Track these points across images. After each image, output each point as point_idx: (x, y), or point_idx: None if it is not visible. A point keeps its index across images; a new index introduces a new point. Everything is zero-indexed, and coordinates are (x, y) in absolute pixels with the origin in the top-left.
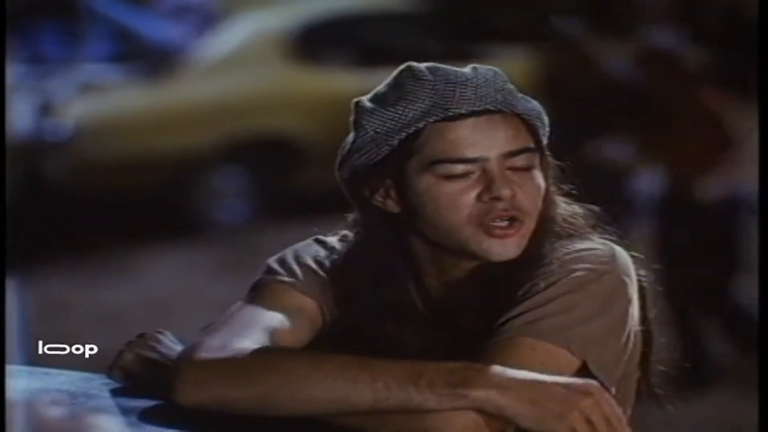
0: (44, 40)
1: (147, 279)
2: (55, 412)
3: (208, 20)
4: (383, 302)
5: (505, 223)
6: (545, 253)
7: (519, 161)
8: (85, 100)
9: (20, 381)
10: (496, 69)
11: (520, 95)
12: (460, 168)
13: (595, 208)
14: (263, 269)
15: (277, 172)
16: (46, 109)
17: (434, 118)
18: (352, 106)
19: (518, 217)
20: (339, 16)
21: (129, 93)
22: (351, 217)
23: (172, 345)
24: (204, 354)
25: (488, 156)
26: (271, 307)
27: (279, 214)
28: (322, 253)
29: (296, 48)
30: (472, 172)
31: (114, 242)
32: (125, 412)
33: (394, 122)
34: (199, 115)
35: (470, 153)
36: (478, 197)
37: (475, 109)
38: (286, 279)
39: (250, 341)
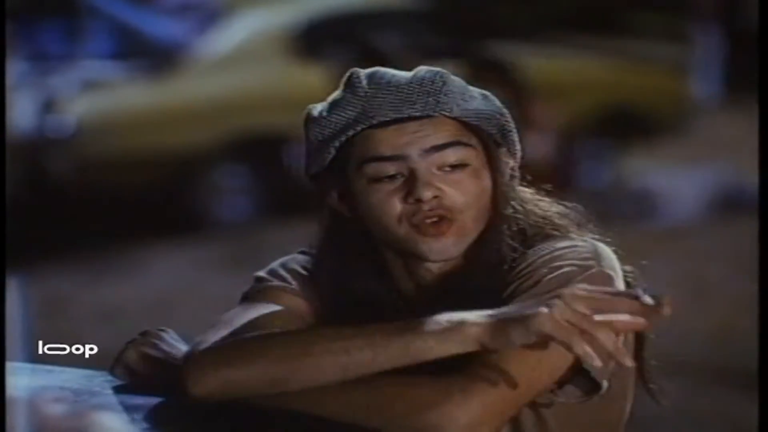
0: (46, 36)
1: (149, 276)
2: (58, 409)
3: (209, 18)
4: (353, 303)
5: (436, 221)
6: (505, 252)
7: (449, 157)
8: (88, 97)
9: (23, 378)
10: (442, 71)
11: (478, 94)
12: (383, 168)
13: (576, 206)
14: (252, 282)
15: (279, 170)
16: (48, 106)
17: (361, 126)
18: (303, 115)
19: (447, 216)
20: (341, 14)
21: (131, 90)
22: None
23: (174, 343)
24: (205, 347)
25: (408, 153)
26: (266, 308)
27: (281, 211)
28: (308, 261)
29: (298, 45)
30: (401, 174)
31: (116, 239)
32: (128, 409)
33: (329, 130)
34: (200, 112)
35: (388, 151)
36: (404, 199)
37: (400, 116)
38: (279, 284)
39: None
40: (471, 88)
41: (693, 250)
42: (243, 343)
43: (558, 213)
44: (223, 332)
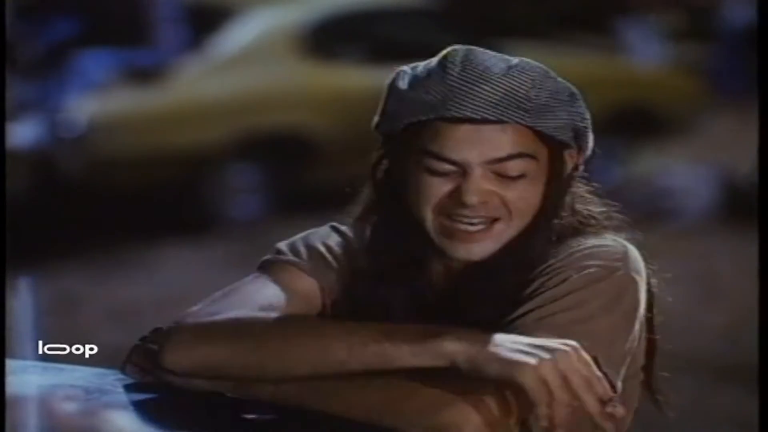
0: (53, 35)
1: (160, 275)
2: (69, 407)
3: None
4: (384, 273)
5: (470, 228)
6: (535, 255)
7: (510, 167)
8: (99, 96)
9: (34, 377)
10: (537, 74)
11: (566, 97)
12: (441, 166)
13: (619, 206)
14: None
15: (290, 168)
16: (59, 106)
17: (434, 115)
18: (391, 77)
19: (487, 217)
20: (353, 12)
21: (142, 89)
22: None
23: None
24: (192, 320)
25: (470, 160)
26: (270, 285)
27: (292, 210)
28: (333, 238)
29: (310, 44)
30: (454, 172)
31: (127, 238)
32: (139, 407)
33: (405, 108)
34: (212, 111)
35: (454, 155)
36: (450, 194)
37: (473, 116)
38: (291, 259)
39: (242, 313)
40: (561, 87)
41: (704, 248)
42: (223, 323)
43: (600, 212)
44: (218, 307)
